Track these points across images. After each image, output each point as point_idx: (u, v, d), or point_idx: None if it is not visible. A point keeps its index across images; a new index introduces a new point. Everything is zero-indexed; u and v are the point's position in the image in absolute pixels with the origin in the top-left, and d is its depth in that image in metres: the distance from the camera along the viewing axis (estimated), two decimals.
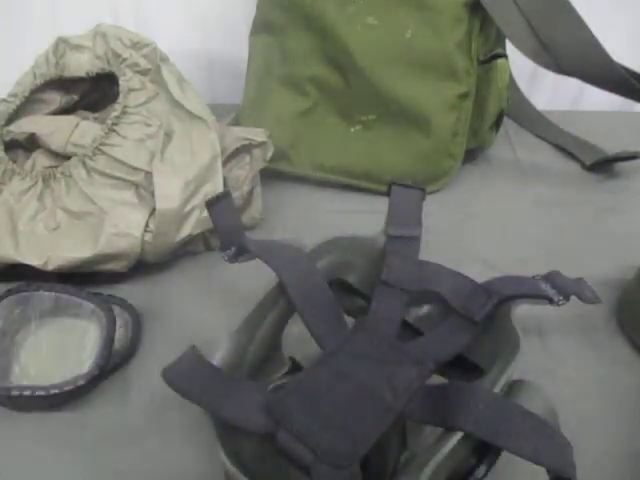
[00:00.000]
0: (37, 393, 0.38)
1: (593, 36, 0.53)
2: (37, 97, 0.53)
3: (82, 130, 0.50)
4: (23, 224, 0.47)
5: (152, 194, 0.47)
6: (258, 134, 0.53)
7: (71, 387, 0.39)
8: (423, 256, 0.41)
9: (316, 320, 0.36)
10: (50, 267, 0.46)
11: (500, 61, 0.59)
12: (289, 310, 0.37)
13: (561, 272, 0.40)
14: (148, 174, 0.47)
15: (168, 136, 0.49)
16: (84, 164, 0.47)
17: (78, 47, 0.52)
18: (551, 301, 0.37)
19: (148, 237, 0.47)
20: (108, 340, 0.41)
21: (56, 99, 0.55)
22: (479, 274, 0.39)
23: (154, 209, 0.47)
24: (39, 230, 0.47)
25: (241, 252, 0.40)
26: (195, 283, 0.51)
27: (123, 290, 0.49)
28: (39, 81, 0.52)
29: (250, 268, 0.41)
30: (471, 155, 0.65)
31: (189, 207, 0.48)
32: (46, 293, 0.45)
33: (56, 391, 0.39)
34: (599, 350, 0.45)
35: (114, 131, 0.48)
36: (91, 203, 0.47)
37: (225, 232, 0.40)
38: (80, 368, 0.41)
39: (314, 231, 0.56)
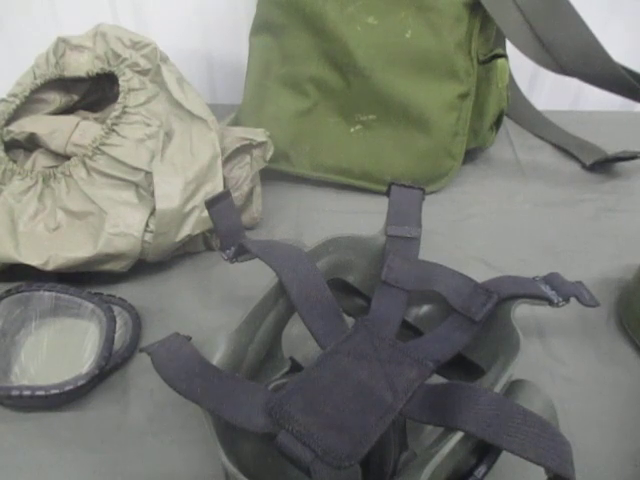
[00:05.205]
0: (37, 393, 0.38)
1: (593, 36, 0.53)
2: (37, 97, 0.53)
3: (82, 130, 0.50)
4: (23, 224, 0.47)
5: (152, 194, 0.47)
6: (258, 134, 0.53)
7: (71, 387, 0.39)
8: (423, 256, 0.41)
9: (316, 320, 0.36)
10: (50, 267, 0.46)
11: (500, 61, 0.59)
12: (289, 310, 0.37)
13: (561, 272, 0.40)
14: (148, 174, 0.47)
15: (168, 136, 0.49)
16: (84, 164, 0.47)
17: (78, 47, 0.52)
18: (551, 302, 0.37)
19: (148, 237, 0.47)
20: (108, 340, 0.41)
21: (56, 99, 0.55)
22: (479, 274, 0.40)
23: (154, 209, 0.47)
24: (39, 230, 0.47)
25: (241, 252, 0.40)
26: (195, 283, 0.51)
27: (123, 290, 0.49)
28: (39, 81, 0.52)
29: (250, 268, 0.41)
30: (471, 155, 0.66)
31: (189, 207, 0.48)
32: (46, 293, 0.45)
33: (56, 391, 0.39)
34: (599, 350, 0.45)
35: (114, 131, 0.48)
36: (91, 203, 0.47)
37: (225, 232, 0.40)
38: (80, 368, 0.41)
39: (314, 231, 0.56)
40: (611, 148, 0.66)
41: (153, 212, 0.47)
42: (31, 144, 0.52)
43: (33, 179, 0.48)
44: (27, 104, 0.53)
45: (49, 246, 0.46)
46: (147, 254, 0.48)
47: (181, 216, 0.48)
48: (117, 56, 0.51)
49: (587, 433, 0.39)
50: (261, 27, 0.61)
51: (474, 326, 0.37)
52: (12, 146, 0.52)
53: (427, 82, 0.57)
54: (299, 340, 0.41)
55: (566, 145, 0.69)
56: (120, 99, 0.49)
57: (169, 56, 0.53)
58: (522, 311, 0.38)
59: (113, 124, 0.48)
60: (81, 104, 0.57)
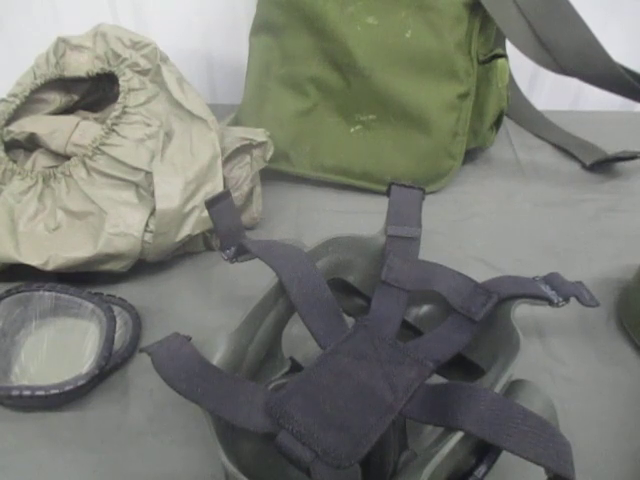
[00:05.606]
0: (37, 393, 0.38)
1: (593, 36, 0.53)
2: (37, 97, 0.53)
3: (82, 130, 0.50)
4: (23, 224, 0.47)
5: (152, 194, 0.47)
6: (258, 134, 0.53)
7: (71, 387, 0.39)
8: (423, 256, 0.41)
9: (316, 320, 0.36)
10: (50, 267, 0.46)
11: (500, 61, 0.59)
12: (289, 310, 0.37)
13: (561, 272, 0.40)
14: (148, 174, 0.47)
15: (168, 136, 0.49)
16: (84, 164, 0.47)
17: (78, 47, 0.52)
18: (551, 302, 0.37)
19: (148, 237, 0.47)
20: (108, 340, 0.41)
21: (56, 99, 0.55)
22: (479, 274, 0.40)
23: (154, 209, 0.47)
24: (39, 230, 0.47)
25: (241, 252, 0.40)
26: (195, 283, 0.51)
27: (123, 290, 0.49)
28: (39, 81, 0.52)
29: (250, 268, 0.41)
30: (471, 155, 0.65)
31: (189, 207, 0.48)
32: (46, 293, 0.45)
33: (56, 391, 0.39)
34: (599, 350, 0.45)
35: (114, 131, 0.48)
36: (91, 203, 0.47)
37: (225, 232, 0.40)
38: (80, 368, 0.41)
39: (314, 231, 0.56)
40: (611, 148, 0.66)
41: (153, 212, 0.47)
42: (31, 144, 0.52)
43: (33, 179, 0.48)
44: (27, 104, 0.53)
45: (49, 246, 0.46)
46: (147, 254, 0.48)
47: (181, 216, 0.48)
48: (117, 56, 0.51)
49: (587, 433, 0.39)
50: (261, 27, 0.61)
51: (474, 326, 0.37)
52: (12, 146, 0.53)
53: (427, 82, 0.57)
54: (299, 340, 0.41)
55: (566, 145, 0.69)
56: (120, 99, 0.49)
57: (169, 56, 0.53)
58: (522, 311, 0.38)
59: (113, 124, 0.48)
60: (81, 104, 0.57)
